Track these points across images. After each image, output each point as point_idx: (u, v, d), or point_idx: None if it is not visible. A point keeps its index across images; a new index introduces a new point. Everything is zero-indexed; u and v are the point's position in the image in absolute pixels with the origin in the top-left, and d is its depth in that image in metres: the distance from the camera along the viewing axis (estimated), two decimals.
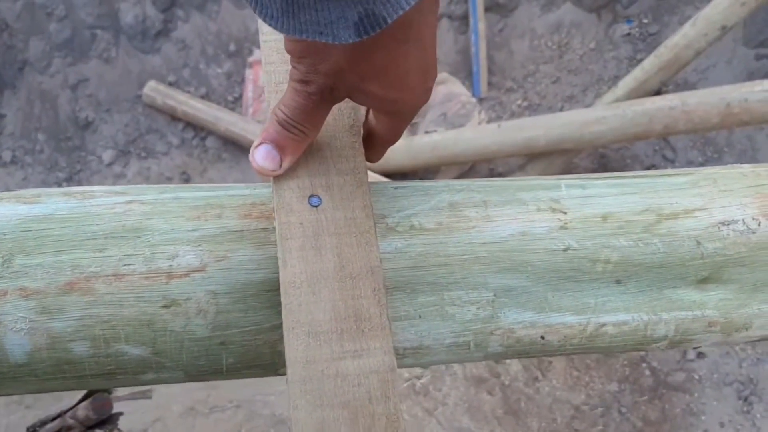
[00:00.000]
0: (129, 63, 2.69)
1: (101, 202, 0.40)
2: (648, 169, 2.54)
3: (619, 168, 2.58)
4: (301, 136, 0.38)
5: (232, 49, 2.69)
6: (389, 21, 0.32)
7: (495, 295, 0.42)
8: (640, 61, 2.54)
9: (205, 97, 2.68)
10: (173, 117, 2.67)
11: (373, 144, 0.43)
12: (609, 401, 2.07)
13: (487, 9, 2.70)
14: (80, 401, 1.36)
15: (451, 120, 2.63)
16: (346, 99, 0.39)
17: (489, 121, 2.63)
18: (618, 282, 0.44)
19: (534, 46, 2.72)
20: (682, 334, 0.46)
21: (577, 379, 2.14)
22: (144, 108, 2.68)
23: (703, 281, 0.45)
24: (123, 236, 0.39)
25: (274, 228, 0.40)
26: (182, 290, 0.38)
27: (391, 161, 2.41)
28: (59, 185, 2.61)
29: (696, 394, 2.07)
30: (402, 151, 2.38)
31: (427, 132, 2.57)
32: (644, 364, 2.17)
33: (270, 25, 0.33)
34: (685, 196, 0.45)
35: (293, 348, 0.33)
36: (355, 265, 0.36)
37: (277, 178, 0.38)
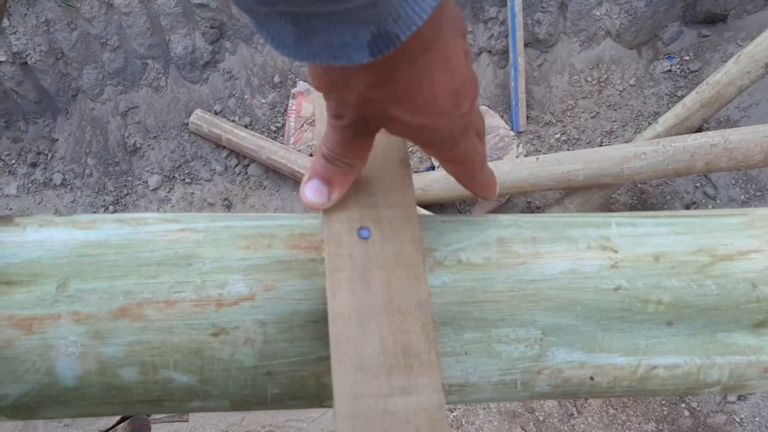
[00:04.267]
0: (177, 92, 2.77)
1: (154, 230, 0.41)
2: (689, 206, 2.49)
3: (659, 204, 2.53)
4: (346, 169, 0.39)
5: (276, 80, 2.75)
6: (403, 39, 0.31)
7: (543, 334, 0.41)
8: (681, 97, 2.51)
9: (249, 126, 2.73)
10: (217, 144, 2.73)
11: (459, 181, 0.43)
12: None
13: (527, 44, 2.71)
14: (119, 422, 1.37)
15: (489, 152, 2.62)
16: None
17: (527, 154, 2.62)
18: (670, 324, 0.43)
19: (573, 81, 2.71)
20: (736, 379, 0.44)
21: (613, 417, 2.08)
22: (190, 135, 2.75)
23: (759, 325, 0.44)
24: (175, 263, 0.39)
25: (322, 259, 0.40)
26: (231, 318, 0.39)
27: (429, 192, 2.41)
28: (106, 208, 2.68)
29: None
30: (439, 181, 2.38)
31: None
32: (683, 405, 2.10)
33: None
34: (740, 237, 0.44)
35: (341, 381, 0.33)
36: (403, 299, 0.36)
37: (327, 210, 0.39)
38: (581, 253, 0.42)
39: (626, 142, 2.55)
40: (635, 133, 2.59)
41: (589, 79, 2.70)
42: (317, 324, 0.39)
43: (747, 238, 0.44)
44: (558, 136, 2.66)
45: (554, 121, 2.69)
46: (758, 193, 2.44)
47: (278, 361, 0.39)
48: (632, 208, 2.54)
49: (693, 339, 0.43)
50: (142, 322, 0.38)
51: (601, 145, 2.60)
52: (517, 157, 2.59)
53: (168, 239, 0.40)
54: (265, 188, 2.71)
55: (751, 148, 2.01)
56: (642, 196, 2.55)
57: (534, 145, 2.67)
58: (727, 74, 2.18)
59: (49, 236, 0.39)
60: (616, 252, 0.43)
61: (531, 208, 2.60)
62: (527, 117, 2.70)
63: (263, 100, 2.76)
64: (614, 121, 2.65)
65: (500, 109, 2.73)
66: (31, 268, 0.38)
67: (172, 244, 0.40)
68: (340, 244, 0.37)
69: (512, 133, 2.65)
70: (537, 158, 2.28)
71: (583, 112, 2.67)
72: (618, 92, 2.67)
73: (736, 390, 0.45)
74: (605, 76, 2.69)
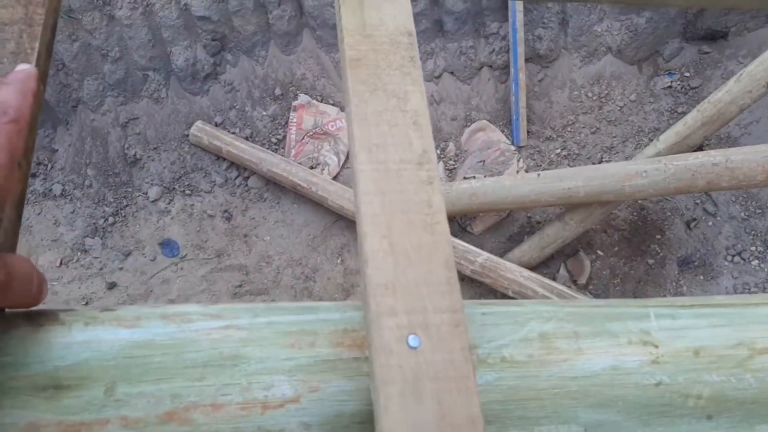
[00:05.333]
0: (178, 103, 2.76)
1: (198, 327, 0.40)
2: (688, 222, 2.51)
3: (659, 220, 2.54)
4: None
5: (277, 92, 2.74)
6: None
7: (585, 430, 0.42)
8: (681, 113, 2.52)
9: (249, 138, 2.73)
10: (218, 156, 2.72)
11: None
12: None
13: (528, 59, 2.72)
14: None
15: (489, 167, 2.63)
16: (444, 233, 0.40)
17: (528, 169, 2.63)
18: (709, 418, 0.43)
19: (574, 96, 2.72)
20: None
21: None
22: (190, 147, 2.74)
23: None
24: (220, 365, 0.39)
25: (365, 358, 0.40)
26: (276, 421, 0.39)
27: None
28: (106, 219, 2.67)
29: None
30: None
31: (465, 178, 2.57)
32: None
33: None
34: None
35: None
36: (455, 413, 0.36)
37: (376, 315, 0.38)
38: (623, 349, 0.43)
39: (627, 157, 2.57)
40: (635, 148, 2.61)
41: (589, 94, 2.71)
42: (362, 425, 0.39)
43: None
44: (558, 151, 2.67)
45: (555, 136, 2.70)
46: (758, 211, 2.46)
47: None
48: (632, 224, 2.55)
49: None
50: (189, 427, 0.38)
51: (601, 161, 2.61)
52: (517, 171, 2.60)
53: (213, 338, 0.40)
54: (265, 200, 2.71)
55: (753, 168, 2.01)
56: (642, 212, 2.56)
57: (534, 159, 2.68)
58: (728, 93, 2.18)
59: (95, 336, 0.39)
60: (656, 347, 0.43)
61: (531, 223, 2.61)
62: (528, 132, 2.71)
63: (264, 113, 2.76)
64: (614, 137, 2.66)
65: (501, 123, 2.73)
66: (78, 371, 0.38)
67: (217, 343, 0.40)
68: (390, 354, 0.37)
69: (513, 148, 2.66)
70: (538, 174, 2.28)
71: (583, 127, 2.68)
72: (618, 108, 2.68)
73: None
74: (606, 92, 2.70)
